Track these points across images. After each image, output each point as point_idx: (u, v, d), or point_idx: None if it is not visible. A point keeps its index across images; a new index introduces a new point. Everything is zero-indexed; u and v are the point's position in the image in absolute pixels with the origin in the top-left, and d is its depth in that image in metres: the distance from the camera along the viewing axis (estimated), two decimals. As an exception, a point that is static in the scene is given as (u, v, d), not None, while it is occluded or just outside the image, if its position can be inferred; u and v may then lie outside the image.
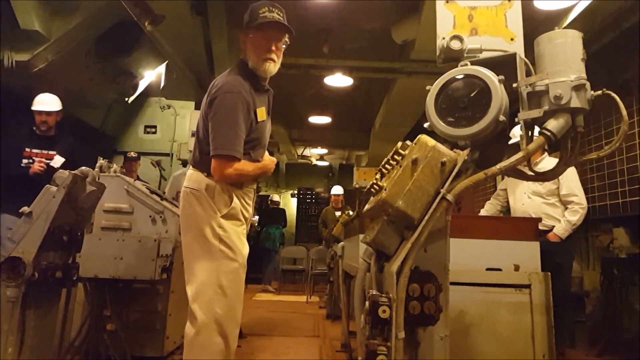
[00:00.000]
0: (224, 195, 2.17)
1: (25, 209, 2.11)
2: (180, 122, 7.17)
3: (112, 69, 5.44)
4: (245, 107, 2.18)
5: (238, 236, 2.21)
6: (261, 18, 2.22)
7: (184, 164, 6.08)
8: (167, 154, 7.12)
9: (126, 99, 6.46)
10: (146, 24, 3.80)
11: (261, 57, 2.26)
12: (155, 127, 7.27)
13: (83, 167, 2.32)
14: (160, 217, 3.09)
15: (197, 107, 5.47)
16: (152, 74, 6.30)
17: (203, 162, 2.20)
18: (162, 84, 6.86)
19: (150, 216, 3.08)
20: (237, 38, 5.17)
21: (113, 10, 4.37)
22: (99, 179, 2.43)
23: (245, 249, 2.24)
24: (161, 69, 6.35)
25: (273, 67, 2.30)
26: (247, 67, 2.30)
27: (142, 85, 6.37)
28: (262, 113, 2.29)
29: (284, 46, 2.33)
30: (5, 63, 4.23)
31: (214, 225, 2.13)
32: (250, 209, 2.34)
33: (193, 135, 4.91)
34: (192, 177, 2.23)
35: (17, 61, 4.27)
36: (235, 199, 2.20)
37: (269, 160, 2.39)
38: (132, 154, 5.92)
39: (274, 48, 2.26)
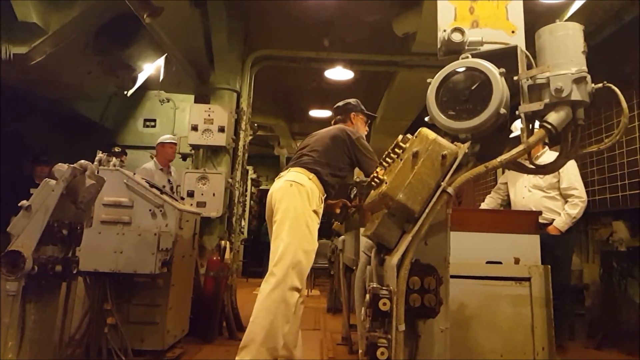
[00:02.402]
0: (317, 197, 2.89)
1: (24, 202, 2.10)
2: (180, 115, 7.12)
3: (111, 61, 5.40)
4: None
5: (315, 229, 2.86)
6: (364, 109, 3.49)
7: (184, 157, 6.06)
8: (166, 148, 7.09)
9: (125, 92, 6.42)
10: (145, 16, 3.77)
11: (363, 132, 3.37)
12: (154, 120, 7.22)
13: (82, 161, 2.31)
14: (160, 210, 3.09)
15: (196, 101, 5.45)
16: (151, 67, 6.25)
17: (317, 170, 2.92)
18: (161, 77, 6.81)
19: (150, 210, 3.08)
20: (237, 31, 5.16)
21: (112, 3, 4.34)
22: (98, 173, 2.42)
23: (316, 240, 2.87)
24: (160, 61, 6.31)
25: None
26: None
27: (141, 78, 6.33)
28: None
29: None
30: (2, 56, 4.20)
31: (306, 213, 2.80)
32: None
33: (193, 128, 4.94)
34: (300, 175, 2.90)
35: (15, 54, 4.24)
36: (322, 204, 2.94)
37: None
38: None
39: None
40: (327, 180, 2.95)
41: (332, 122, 3.45)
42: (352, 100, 3.48)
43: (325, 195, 3.00)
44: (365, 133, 3.42)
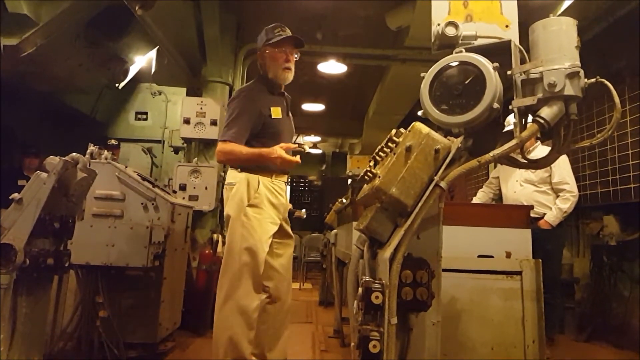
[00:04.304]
0: (252, 187, 2.62)
1: (15, 195, 2.08)
2: (172, 108, 7.08)
3: (102, 54, 5.35)
4: (250, 103, 2.65)
5: (259, 222, 2.60)
6: (277, 36, 2.73)
7: (176, 151, 6.03)
8: (158, 141, 7.06)
9: (117, 85, 6.37)
10: (137, 8, 3.74)
11: (281, 67, 2.76)
12: (146, 113, 7.17)
13: (74, 154, 2.29)
14: (152, 204, 3.07)
15: (188, 94, 5.42)
16: (142, 60, 6.20)
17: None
18: (153, 70, 6.76)
19: (142, 203, 3.06)
20: (229, 23, 5.13)
21: (103, -6, 4.30)
22: (89, 166, 2.40)
23: (265, 233, 2.60)
24: (152, 54, 6.25)
25: (290, 75, 2.82)
26: (263, 78, 2.81)
27: (132, 71, 6.28)
28: (277, 112, 2.74)
29: (296, 56, 2.85)
30: (-7, 47, 4.15)
31: (240, 213, 2.58)
32: (282, 198, 2.74)
33: (185, 122, 4.92)
34: (229, 174, 2.71)
35: (5, 45, 4.19)
36: (261, 190, 2.63)
37: (277, 151, 2.59)
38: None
39: (290, 59, 2.79)
40: (251, 165, 2.65)
41: None
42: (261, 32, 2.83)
43: (275, 171, 2.71)
44: (286, 66, 2.77)
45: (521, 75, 1.57)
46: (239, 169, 2.66)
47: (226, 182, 2.72)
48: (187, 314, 3.83)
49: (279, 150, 2.57)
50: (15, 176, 4.84)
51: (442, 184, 1.46)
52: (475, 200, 4.43)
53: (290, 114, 2.96)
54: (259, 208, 2.62)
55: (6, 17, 4.01)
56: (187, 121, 4.95)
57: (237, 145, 2.59)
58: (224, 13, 5.00)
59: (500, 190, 4.21)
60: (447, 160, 1.49)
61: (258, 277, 2.58)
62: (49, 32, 4.32)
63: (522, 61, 1.60)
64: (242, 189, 2.61)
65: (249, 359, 2.52)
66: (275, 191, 2.71)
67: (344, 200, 3.93)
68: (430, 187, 1.47)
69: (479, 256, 2.43)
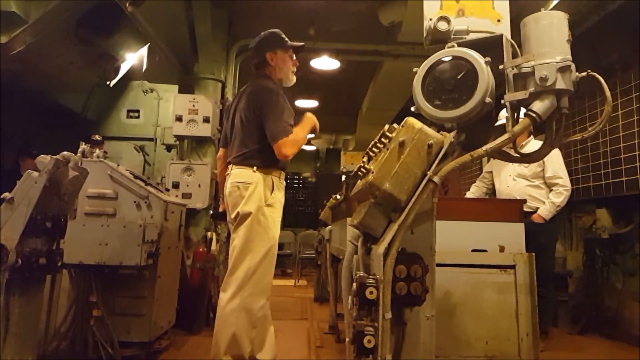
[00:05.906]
0: (268, 186, 2.70)
1: (6, 194, 2.06)
2: (164, 106, 7.02)
3: (93, 51, 5.31)
4: (288, 103, 2.81)
5: (274, 222, 2.70)
6: (285, 42, 2.94)
7: (168, 148, 6.00)
8: (150, 139, 7.01)
9: (108, 83, 6.32)
10: (127, 5, 3.71)
11: (290, 70, 2.97)
12: (138, 111, 7.10)
13: (65, 152, 2.27)
14: (145, 202, 3.06)
15: (180, 91, 5.38)
16: (134, 57, 6.15)
17: (252, 157, 2.70)
18: (144, 67, 6.72)
19: (134, 201, 3.04)
20: (221, 20, 5.10)
21: (93, -9, 4.26)
22: (81, 164, 2.39)
23: (277, 233, 2.74)
24: (143, 51, 6.21)
25: (294, 79, 3.02)
26: (268, 77, 2.92)
27: (124, 69, 6.23)
28: None
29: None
30: (-19, 46, 4.10)
31: (258, 213, 2.63)
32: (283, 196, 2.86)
33: (177, 119, 4.89)
34: (242, 173, 2.70)
35: (-5, 44, 4.15)
36: (275, 189, 2.73)
37: (308, 115, 2.94)
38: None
39: (296, 64, 3.02)
40: (269, 163, 2.72)
41: (252, 66, 3.02)
42: (265, 34, 2.95)
43: (282, 170, 2.85)
44: (294, 70, 3.01)
45: (513, 69, 1.57)
46: (254, 168, 2.69)
47: (238, 180, 2.69)
48: (181, 312, 3.82)
49: (312, 116, 2.92)
50: (12, 177, 4.78)
51: (435, 178, 1.47)
52: (468, 194, 4.44)
53: None
54: (273, 207, 2.72)
55: (-5, 15, 3.96)
56: (179, 118, 4.92)
57: (293, 135, 2.69)
58: (216, 9, 4.97)
59: (493, 184, 4.22)
60: (440, 155, 1.50)
61: (269, 276, 2.66)
62: (38, 30, 4.27)
63: (514, 55, 1.61)
64: (261, 188, 2.67)
65: (247, 359, 2.55)
66: (281, 189, 2.82)
67: (338, 197, 3.93)
68: (424, 182, 1.47)
69: (473, 250, 2.44)
